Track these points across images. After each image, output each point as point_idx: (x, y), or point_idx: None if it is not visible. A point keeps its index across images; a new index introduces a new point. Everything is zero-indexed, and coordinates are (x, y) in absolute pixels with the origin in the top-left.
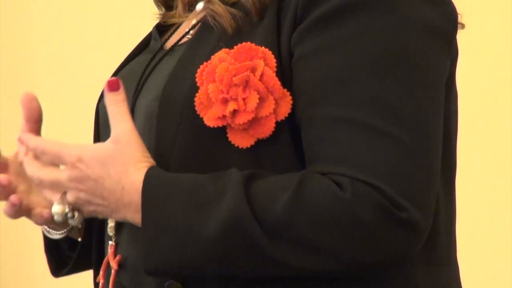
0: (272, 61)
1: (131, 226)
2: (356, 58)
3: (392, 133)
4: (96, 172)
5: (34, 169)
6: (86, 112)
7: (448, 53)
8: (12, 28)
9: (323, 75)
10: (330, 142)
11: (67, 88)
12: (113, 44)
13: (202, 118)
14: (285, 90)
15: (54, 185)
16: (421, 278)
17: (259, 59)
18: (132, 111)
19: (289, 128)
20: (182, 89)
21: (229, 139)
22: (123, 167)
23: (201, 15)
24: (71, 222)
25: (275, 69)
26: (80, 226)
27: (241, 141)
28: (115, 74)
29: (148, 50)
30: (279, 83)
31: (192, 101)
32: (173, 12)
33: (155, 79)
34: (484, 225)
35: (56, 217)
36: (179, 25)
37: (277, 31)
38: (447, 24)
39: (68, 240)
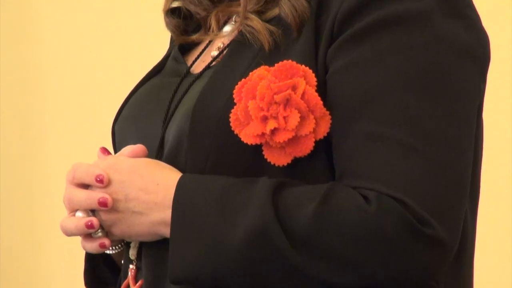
0: (313, 79)
1: (152, 251)
2: (388, 75)
3: (422, 150)
4: (123, 174)
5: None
6: (93, 117)
7: (482, 77)
8: (16, 29)
9: (356, 91)
10: (360, 158)
11: (74, 92)
12: (121, 50)
13: (237, 134)
14: (325, 109)
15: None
16: None
17: (300, 77)
18: (162, 139)
19: (324, 145)
20: (217, 104)
21: (265, 157)
22: (157, 168)
23: (234, 33)
24: (94, 235)
25: (315, 88)
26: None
27: (278, 159)
28: (130, 96)
29: (165, 72)
30: (321, 102)
31: (227, 117)
32: (197, 34)
33: (186, 104)
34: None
35: None
36: (205, 48)
37: (314, 49)
38: (481, 50)
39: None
